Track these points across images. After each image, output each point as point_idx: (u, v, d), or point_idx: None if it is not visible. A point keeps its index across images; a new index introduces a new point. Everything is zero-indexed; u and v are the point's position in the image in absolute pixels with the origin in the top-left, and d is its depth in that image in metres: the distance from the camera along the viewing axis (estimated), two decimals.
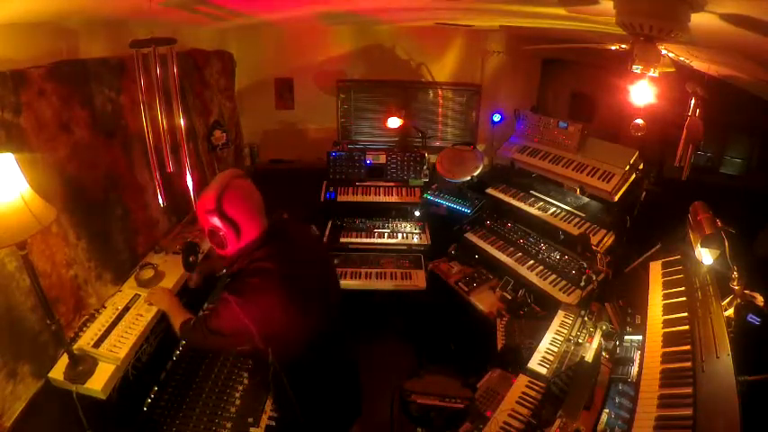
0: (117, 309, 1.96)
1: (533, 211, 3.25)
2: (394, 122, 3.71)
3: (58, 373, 1.69)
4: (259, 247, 1.53)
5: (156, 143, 2.19)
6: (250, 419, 1.86)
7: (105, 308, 1.98)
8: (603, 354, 2.11)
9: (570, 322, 2.37)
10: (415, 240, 3.44)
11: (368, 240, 3.46)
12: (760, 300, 1.80)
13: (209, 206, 1.45)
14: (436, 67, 4.00)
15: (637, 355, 1.88)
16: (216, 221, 1.45)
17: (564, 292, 2.72)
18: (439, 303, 3.18)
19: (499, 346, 2.46)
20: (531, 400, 1.92)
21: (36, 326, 1.63)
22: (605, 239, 2.87)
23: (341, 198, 3.64)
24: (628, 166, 2.94)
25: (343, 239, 3.44)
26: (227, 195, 1.45)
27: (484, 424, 1.81)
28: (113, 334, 1.84)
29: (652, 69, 1.73)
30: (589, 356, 2.11)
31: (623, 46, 1.88)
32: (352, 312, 3.35)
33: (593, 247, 2.72)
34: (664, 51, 1.82)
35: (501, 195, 3.48)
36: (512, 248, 3.17)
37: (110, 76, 2.08)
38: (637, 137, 2.42)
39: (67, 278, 1.81)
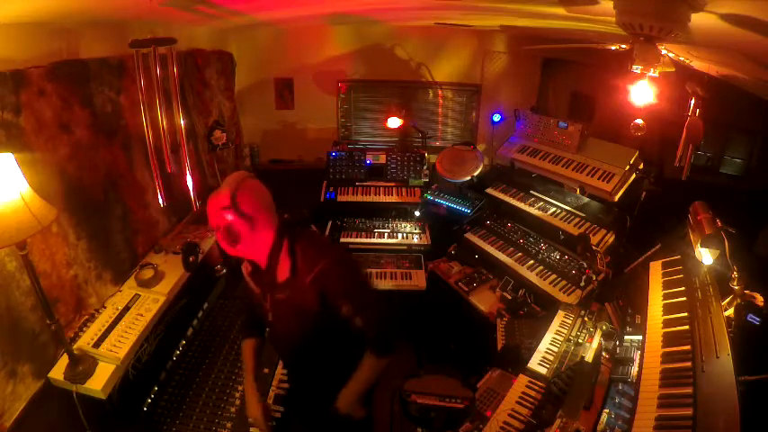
0: (117, 309, 1.97)
1: (533, 211, 3.25)
2: (394, 122, 3.71)
3: (57, 373, 1.69)
4: (280, 241, 1.52)
5: (156, 143, 2.19)
6: (250, 419, 1.86)
7: (105, 308, 1.98)
8: (603, 354, 2.11)
9: (570, 322, 2.37)
10: (415, 240, 3.45)
11: (368, 240, 3.45)
12: (760, 300, 1.80)
13: (224, 202, 1.43)
14: (436, 67, 4.00)
15: (637, 355, 1.88)
16: (230, 217, 1.43)
17: (564, 292, 2.72)
18: (439, 303, 3.18)
19: (499, 346, 2.46)
20: (531, 400, 1.92)
21: (36, 326, 1.63)
22: (605, 239, 2.87)
23: (341, 198, 3.64)
24: (628, 166, 2.94)
25: (343, 239, 3.44)
26: (242, 192, 1.44)
27: (484, 424, 1.81)
28: (113, 334, 1.84)
29: (652, 69, 1.73)
30: (589, 356, 2.10)
31: (623, 46, 1.88)
32: None
33: (594, 247, 2.71)
34: (664, 51, 1.82)
35: (501, 195, 3.48)
36: (512, 248, 3.17)
37: (110, 76, 2.08)
38: (637, 137, 2.42)
39: (67, 278, 1.81)
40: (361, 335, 1.53)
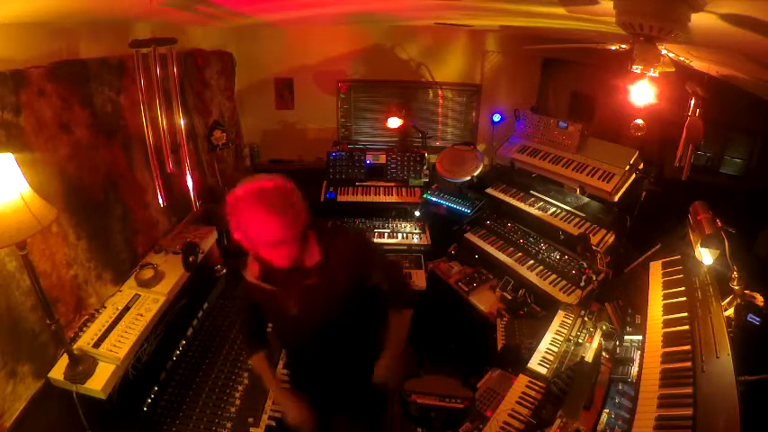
0: (117, 309, 1.97)
1: (533, 211, 3.25)
2: (394, 122, 3.71)
3: (57, 373, 1.69)
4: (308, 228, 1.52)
5: (156, 143, 2.20)
6: (250, 419, 1.86)
7: (105, 308, 1.98)
8: (603, 354, 2.11)
9: (570, 322, 2.37)
10: (415, 240, 3.44)
11: None
12: (760, 300, 1.80)
13: (286, 184, 1.42)
14: (436, 67, 4.00)
15: (637, 355, 1.88)
16: (296, 194, 1.43)
17: (564, 292, 2.72)
18: (439, 303, 3.18)
19: (499, 346, 2.46)
20: (531, 400, 1.92)
21: (36, 326, 1.63)
22: (605, 239, 2.87)
23: (341, 198, 3.64)
24: (628, 166, 2.94)
25: None
26: (275, 174, 1.47)
27: (484, 424, 1.80)
28: (113, 334, 1.84)
29: (652, 69, 1.73)
30: (589, 356, 2.10)
31: (623, 46, 1.88)
32: None
33: (594, 247, 2.71)
34: (664, 51, 1.82)
35: (501, 195, 3.48)
36: (512, 248, 3.17)
37: (110, 76, 2.08)
38: (637, 137, 2.42)
39: (67, 278, 1.81)
40: (383, 304, 1.64)
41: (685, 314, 1.87)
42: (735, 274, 1.85)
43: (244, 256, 1.57)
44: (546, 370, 2.09)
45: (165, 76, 2.22)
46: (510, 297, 2.85)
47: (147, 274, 2.16)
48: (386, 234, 3.49)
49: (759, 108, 2.69)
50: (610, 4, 1.38)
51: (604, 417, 1.64)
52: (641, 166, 2.96)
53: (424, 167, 3.73)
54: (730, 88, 2.51)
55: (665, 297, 2.05)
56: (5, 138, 1.49)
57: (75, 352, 1.69)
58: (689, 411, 1.42)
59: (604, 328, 2.28)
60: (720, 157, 3.11)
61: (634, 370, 1.82)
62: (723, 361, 1.54)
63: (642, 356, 1.81)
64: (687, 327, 1.79)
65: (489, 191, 3.56)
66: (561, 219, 3.11)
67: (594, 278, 2.62)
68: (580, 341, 2.24)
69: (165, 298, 2.09)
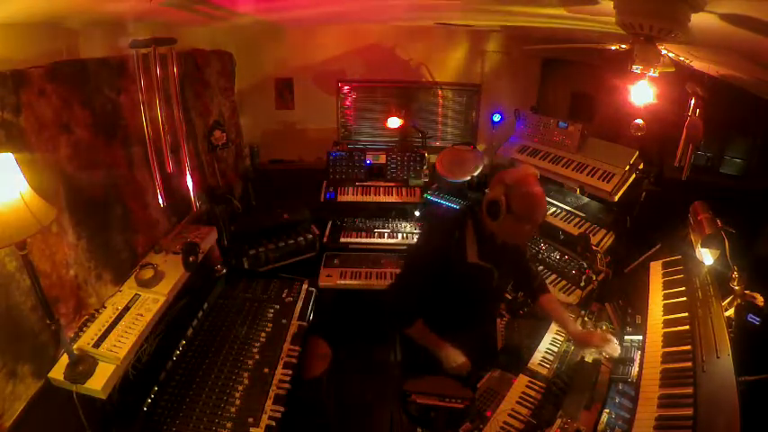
0: (117, 309, 1.96)
1: None
2: (394, 122, 3.71)
3: (57, 373, 1.68)
4: None
5: (156, 143, 2.20)
6: (250, 419, 1.86)
7: (105, 308, 1.98)
8: (603, 354, 2.11)
9: None
10: (415, 240, 3.44)
11: (368, 240, 3.45)
12: (760, 300, 1.80)
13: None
14: (436, 67, 4.00)
15: (637, 355, 1.89)
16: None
17: (564, 292, 2.72)
18: None
19: (499, 346, 2.46)
20: (531, 400, 1.92)
21: (36, 326, 1.63)
22: (605, 239, 2.87)
23: (341, 198, 3.64)
24: (628, 166, 2.94)
25: (343, 239, 3.44)
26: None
27: (484, 424, 1.80)
28: (113, 334, 1.84)
29: (652, 69, 1.73)
30: (589, 356, 2.10)
31: (623, 46, 1.88)
32: (353, 312, 3.36)
33: (593, 247, 2.71)
34: (664, 51, 1.81)
35: None
36: None
37: (110, 76, 2.08)
38: (637, 137, 2.42)
39: (67, 278, 1.81)
40: None
41: (686, 314, 1.87)
42: (735, 274, 1.86)
43: (455, 243, 1.85)
44: (546, 370, 2.09)
45: (165, 76, 2.22)
46: (510, 297, 2.85)
47: (147, 274, 2.15)
48: (386, 234, 3.49)
49: (759, 108, 2.69)
50: (610, 4, 1.38)
51: (604, 417, 1.64)
52: (641, 166, 2.96)
53: (424, 167, 3.73)
54: (730, 88, 2.51)
55: (666, 297, 2.05)
56: (5, 138, 1.49)
57: (75, 352, 1.69)
58: (689, 411, 1.42)
59: (604, 328, 2.28)
60: (720, 157, 3.11)
61: (634, 370, 1.82)
62: (723, 361, 1.55)
63: (642, 356, 1.81)
64: (687, 327, 1.80)
65: None
66: (561, 219, 3.11)
67: (594, 278, 2.62)
68: None
69: (165, 298, 2.08)
